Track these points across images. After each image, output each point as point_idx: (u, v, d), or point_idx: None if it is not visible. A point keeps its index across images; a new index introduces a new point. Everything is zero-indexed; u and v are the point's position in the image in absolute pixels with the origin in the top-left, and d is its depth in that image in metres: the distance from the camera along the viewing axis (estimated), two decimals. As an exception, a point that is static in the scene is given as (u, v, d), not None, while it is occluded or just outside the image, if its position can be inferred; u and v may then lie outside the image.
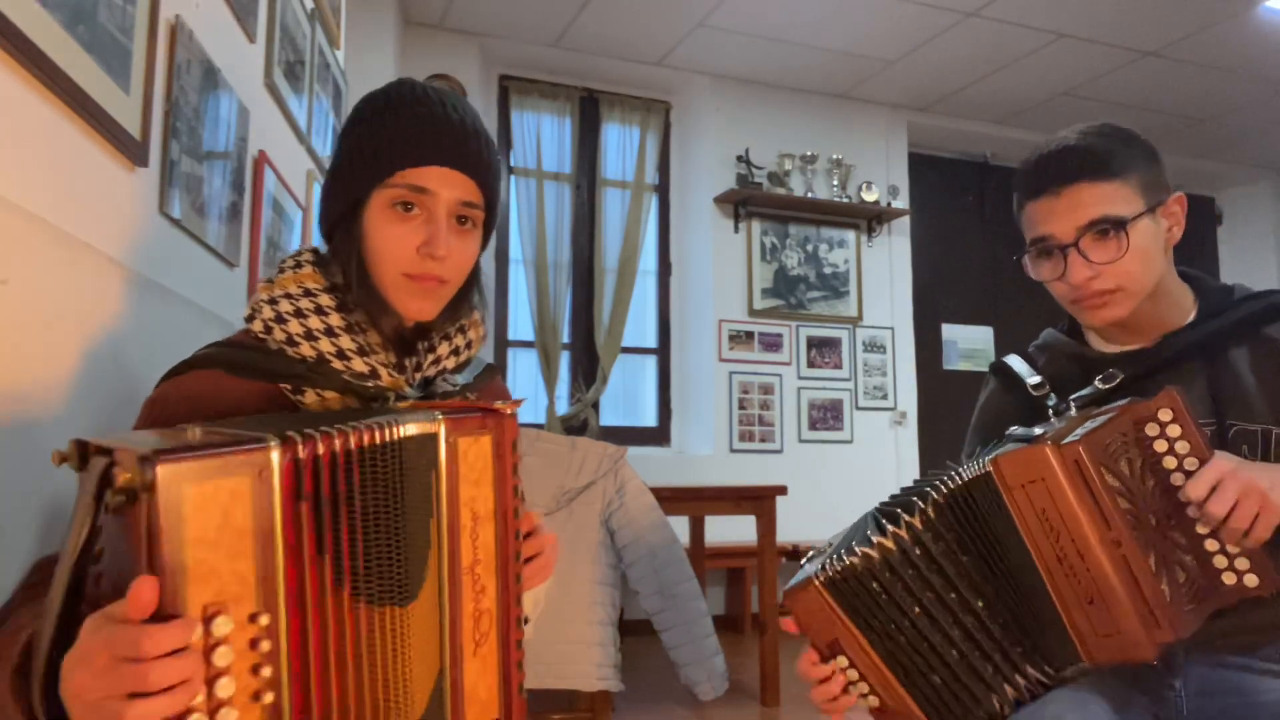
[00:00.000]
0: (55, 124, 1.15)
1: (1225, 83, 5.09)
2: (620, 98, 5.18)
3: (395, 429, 0.82)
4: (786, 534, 3.84)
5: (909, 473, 5.29)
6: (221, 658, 0.67)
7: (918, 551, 1.07)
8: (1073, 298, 1.23)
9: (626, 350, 5.10)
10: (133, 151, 1.36)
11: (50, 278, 1.12)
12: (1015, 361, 1.36)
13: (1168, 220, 1.23)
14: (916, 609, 1.07)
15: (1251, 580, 1.04)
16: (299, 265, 1.06)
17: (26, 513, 1.06)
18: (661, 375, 5.29)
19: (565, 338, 4.97)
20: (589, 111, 5.16)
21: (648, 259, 5.26)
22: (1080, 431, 1.02)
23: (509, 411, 0.92)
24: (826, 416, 5.24)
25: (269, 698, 0.70)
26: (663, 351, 5.30)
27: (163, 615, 0.65)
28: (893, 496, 1.16)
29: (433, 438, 0.86)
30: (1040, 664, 1.06)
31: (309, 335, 1.01)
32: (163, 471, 0.65)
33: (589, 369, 5.01)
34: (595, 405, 4.96)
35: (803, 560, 1.16)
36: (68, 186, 1.19)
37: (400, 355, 1.07)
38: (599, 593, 2.66)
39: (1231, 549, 1.04)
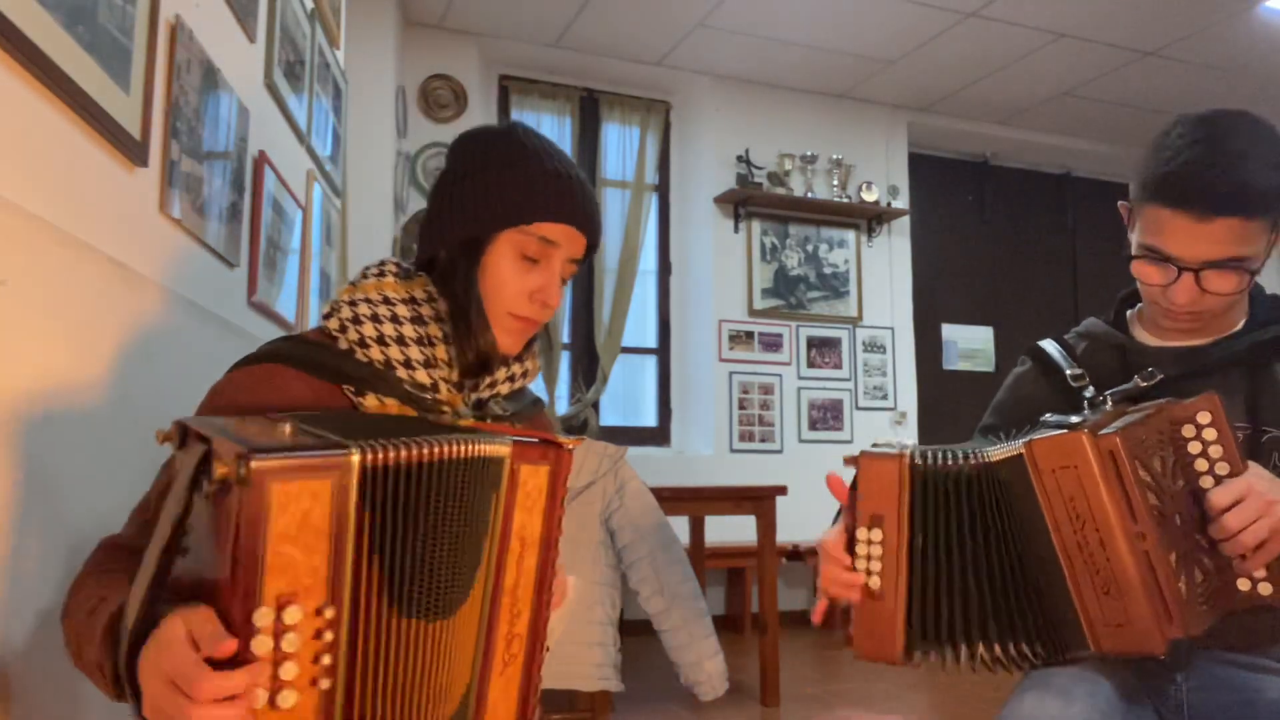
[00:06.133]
0: (55, 124, 1.15)
1: (1225, 83, 5.09)
2: (620, 98, 5.18)
3: (472, 446, 0.85)
4: (786, 534, 3.84)
5: (909, 473, 5.27)
6: (289, 643, 0.73)
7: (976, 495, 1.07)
8: (1165, 306, 1.21)
9: (626, 350, 5.10)
10: (133, 151, 1.36)
11: (50, 278, 1.12)
12: (1052, 348, 1.36)
13: (1276, 248, 1.21)
14: (965, 535, 1.07)
15: (1266, 589, 1.05)
16: (382, 274, 1.12)
17: (27, 510, 1.06)
18: (661, 375, 5.29)
19: (565, 338, 4.97)
20: (589, 111, 5.16)
21: (648, 259, 5.26)
22: (1118, 424, 1.02)
23: (570, 447, 0.95)
24: (826, 416, 5.24)
25: (325, 684, 0.76)
26: (663, 351, 5.30)
27: (241, 597, 0.71)
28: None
29: (500, 461, 0.90)
30: (1046, 641, 1.06)
31: (380, 340, 1.05)
32: (256, 468, 0.70)
33: (589, 369, 5.01)
34: (595, 405, 4.96)
35: (873, 443, 1.16)
36: (68, 186, 1.19)
37: (463, 375, 1.10)
38: (599, 593, 2.66)
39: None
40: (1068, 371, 1.28)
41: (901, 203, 5.47)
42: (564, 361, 4.98)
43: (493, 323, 1.09)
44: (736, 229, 5.19)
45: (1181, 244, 1.15)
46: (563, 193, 1.10)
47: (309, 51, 2.59)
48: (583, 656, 2.60)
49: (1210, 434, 1.06)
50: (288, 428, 0.79)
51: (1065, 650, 1.05)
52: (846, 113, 5.48)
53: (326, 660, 0.75)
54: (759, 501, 3.38)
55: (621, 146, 5.16)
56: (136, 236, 1.40)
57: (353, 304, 1.07)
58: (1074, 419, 1.07)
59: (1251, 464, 1.07)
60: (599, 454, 2.73)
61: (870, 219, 5.44)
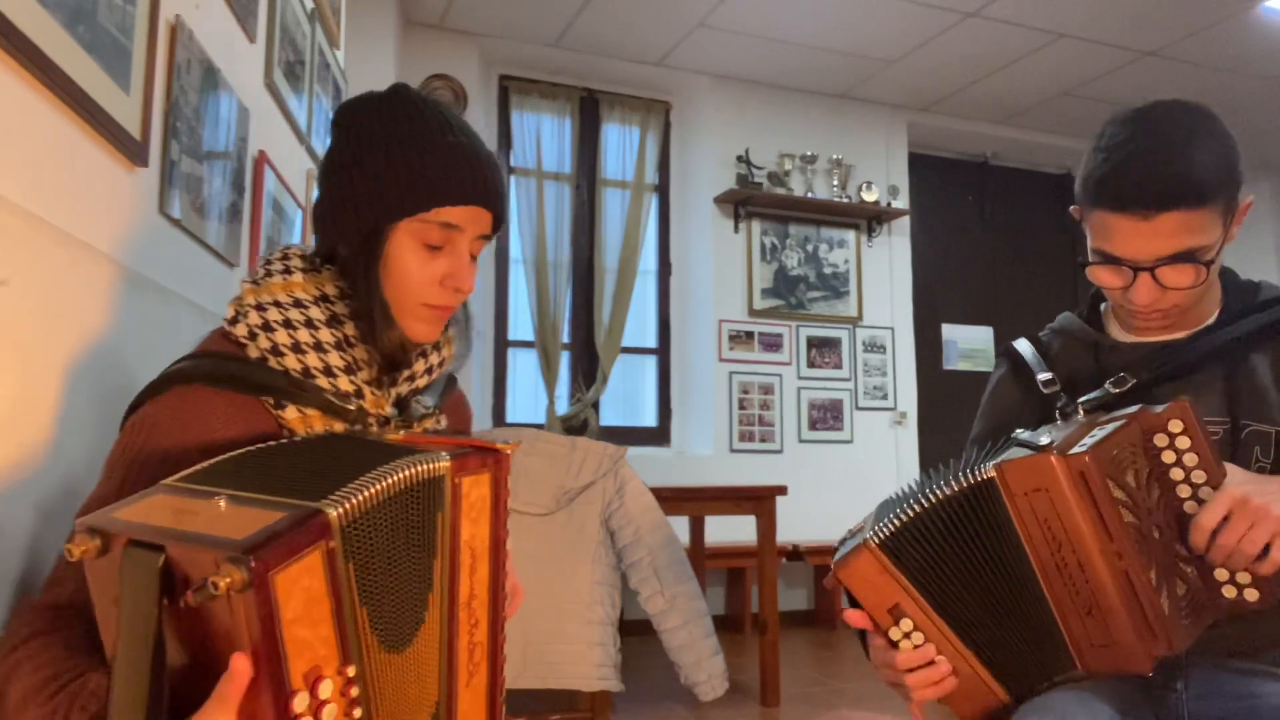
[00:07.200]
0: (55, 124, 1.15)
1: (1225, 83, 5.09)
2: (620, 98, 5.17)
3: (415, 469, 0.84)
4: (786, 534, 3.85)
5: (909, 473, 5.28)
6: (329, 714, 0.73)
7: (949, 522, 1.05)
8: (1129, 310, 1.19)
9: (626, 350, 5.10)
10: (133, 151, 1.36)
11: (50, 278, 1.12)
12: (1026, 349, 1.33)
13: (1234, 230, 1.17)
14: (963, 571, 1.04)
15: (1251, 595, 1.04)
16: (288, 270, 1.04)
17: (23, 512, 1.06)
18: (661, 375, 5.28)
19: (565, 338, 4.97)
20: (589, 111, 5.16)
21: (648, 259, 5.26)
22: (1088, 441, 1.00)
23: (508, 451, 0.93)
24: (826, 416, 5.24)
25: None
26: (663, 351, 5.30)
27: (273, 692, 0.70)
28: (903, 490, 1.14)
29: (440, 479, 0.87)
30: (1040, 662, 1.06)
31: (296, 348, 0.99)
32: (258, 568, 0.68)
33: (589, 369, 5.01)
34: (595, 405, 4.96)
35: (837, 544, 1.14)
36: (68, 186, 1.18)
37: (382, 372, 1.07)
38: (599, 593, 2.66)
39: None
40: (1039, 376, 1.26)
41: (901, 203, 5.47)
42: (564, 361, 4.98)
43: (406, 315, 1.03)
44: (736, 229, 5.19)
45: (1131, 245, 1.13)
46: (459, 170, 1.01)
47: (309, 51, 2.59)
48: (583, 656, 2.60)
49: (1183, 442, 1.04)
50: (221, 503, 0.75)
51: (1055, 672, 1.05)
52: (846, 113, 5.48)
53: (358, 713, 0.77)
54: (759, 501, 3.38)
55: (621, 146, 5.16)
56: (136, 236, 1.40)
57: (260, 308, 1.00)
58: (1044, 438, 1.04)
59: (1229, 466, 1.05)
60: (599, 454, 2.73)
61: (870, 219, 5.44)
